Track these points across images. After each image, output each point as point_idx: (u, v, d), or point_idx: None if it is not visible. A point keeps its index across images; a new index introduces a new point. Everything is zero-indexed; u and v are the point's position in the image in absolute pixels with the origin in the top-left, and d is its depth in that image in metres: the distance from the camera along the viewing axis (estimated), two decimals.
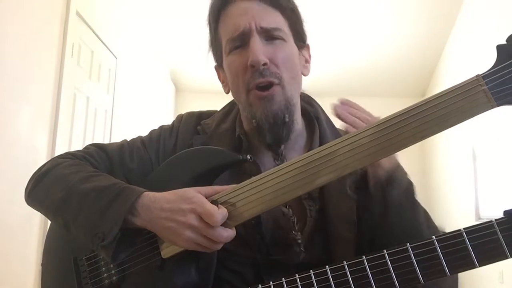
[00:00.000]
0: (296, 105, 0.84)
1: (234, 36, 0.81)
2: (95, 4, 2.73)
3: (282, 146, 0.83)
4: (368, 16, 3.81)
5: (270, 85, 0.80)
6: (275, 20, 0.82)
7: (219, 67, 0.91)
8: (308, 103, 0.93)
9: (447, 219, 4.17)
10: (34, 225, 2.01)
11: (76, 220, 0.73)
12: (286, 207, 0.81)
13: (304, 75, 0.89)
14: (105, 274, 0.77)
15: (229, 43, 0.82)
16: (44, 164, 0.87)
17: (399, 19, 3.85)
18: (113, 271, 0.76)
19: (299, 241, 0.79)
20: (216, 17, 0.86)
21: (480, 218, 3.54)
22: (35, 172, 0.86)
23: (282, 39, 0.82)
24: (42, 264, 0.88)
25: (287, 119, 0.80)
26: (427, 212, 0.79)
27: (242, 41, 0.81)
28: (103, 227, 0.69)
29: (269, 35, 0.81)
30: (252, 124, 0.82)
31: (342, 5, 3.55)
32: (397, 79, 4.71)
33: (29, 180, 0.85)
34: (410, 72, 4.61)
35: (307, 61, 0.91)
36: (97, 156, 0.88)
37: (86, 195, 0.74)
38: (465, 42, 3.79)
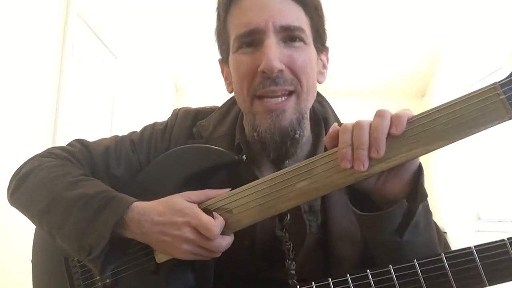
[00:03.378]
0: (307, 117, 0.75)
1: (244, 33, 0.70)
2: (95, 4, 2.71)
3: (287, 162, 0.72)
4: (368, 17, 3.79)
5: (283, 95, 0.69)
6: (298, 18, 0.70)
7: (223, 62, 0.80)
8: (318, 102, 0.83)
9: (448, 220, 4.16)
10: (33, 226, 2.00)
11: (61, 229, 0.69)
12: (282, 231, 0.73)
13: (319, 83, 0.78)
14: (98, 277, 0.73)
15: (238, 39, 0.71)
16: (25, 163, 0.82)
17: (399, 20, 3.84)
18: None
19: (293, 271, 0.71)
20: (226, 7, 0.75)
21: (480, 219, 3.54)
22: (15, 172, 0.81)
23: (303, 41, 0.71)
24: (32, 261, 0.85)
25: (297, 136, 0.70)
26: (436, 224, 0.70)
27: (254, 40, 0.70)
28: (89, 239, 0.66)
29: (289, 36, 0.70)
30: (254, 137, 0.72)
31: (342, 5, 3.53)
32: (397, 79, 4.69)
33: (10, 180, 0.81)
34: (410, 72, 4.60)
35: (324, 67, 0.80)
36: (82, 158, 0.82)
37: (72, 204, 0.69)
38: (465, 42, 3.78)
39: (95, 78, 2.77)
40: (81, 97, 2.57)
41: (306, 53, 0.72)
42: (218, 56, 0.83)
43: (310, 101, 0.74)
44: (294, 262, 0.72)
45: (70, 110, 2.41)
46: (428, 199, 0.65)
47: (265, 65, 0.67)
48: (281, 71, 0.68)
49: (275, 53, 0.67)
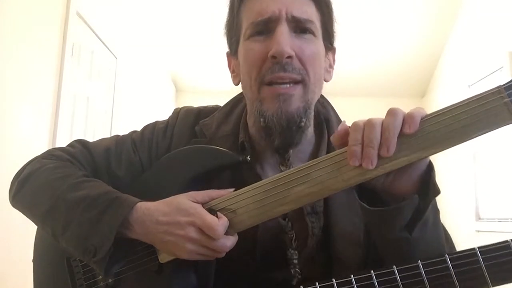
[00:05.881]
0: (313, 110, 0.76)
1: (259, 21, 0.72)
2: (95, 4, 2.71)
3: (291, 151, 0.74)
4: (368, 17, 3.79)
5: (290, 82, 0.70)
6: (309, 11, 0.73)
7: (231, 54, 0.82)
8: (320, 103, 0.83)
9: (447, 220, 4.16)
10: (35, 226, 2.00)
11: (65, 232, 0.69)
12: (285, 220, 0.74)
13: (326, 81, 0.79)
14: (101, 276, 0.73)
15: (251, 27, 0.73)
16: (26, 165, 0.81)
17: (399, 19, 3.84)
18: None
19: (295, 261, 0.72)
20: None
21: (480, 219, 3.54)
22: (17, 174, 0.81)
23: (313, 33, 0.73)
24: (34, 261, 0.85)
25: (302, 124, 0.71)
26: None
27: (266, 28, 0.72)
28: (94, 241, 0.66)
29: (300, 27, 0.72)
30: (260, 124, 0.72)
31: (342, 7, 3.54)
32: (397, 79, 4.70)
33: (12, 182, 0.81)
34: (410, 72, 4.60)
35: (330, 66, 0.81)
36: (82, 159, 0.81)
37: (75, 206, 0.69)
38: (464, 42, 3.78)
39: (95, 78, 2.77)
40: (81, 97, 2.57)
41: (315, 45, 0.74)
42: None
43: (316, 94, 0.75)
44: (296, 252, 0.72)
45: (70, 110, 2.41)
46: None
47: (275, 50, 0.68)
48: (290, 57, 0.69)
49: (286, 39, 0.69)
